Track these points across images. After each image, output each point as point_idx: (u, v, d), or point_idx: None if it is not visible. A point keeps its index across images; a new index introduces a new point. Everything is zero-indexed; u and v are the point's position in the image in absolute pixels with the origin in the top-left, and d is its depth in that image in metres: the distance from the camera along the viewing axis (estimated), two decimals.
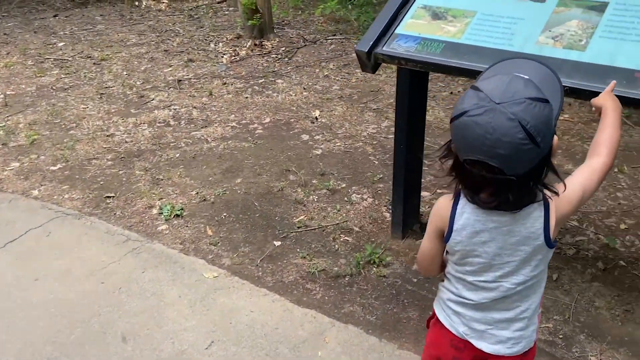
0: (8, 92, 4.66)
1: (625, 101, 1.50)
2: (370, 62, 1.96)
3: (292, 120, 4.10)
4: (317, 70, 5.20)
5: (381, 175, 3.26)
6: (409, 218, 2.60)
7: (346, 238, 2.68)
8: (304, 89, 4.73)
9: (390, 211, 2.72)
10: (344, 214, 2.88)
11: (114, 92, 4.68)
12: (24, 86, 4.82)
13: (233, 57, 5.56)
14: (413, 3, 2.05)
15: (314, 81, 4.91)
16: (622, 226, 2.72)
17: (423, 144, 2.54)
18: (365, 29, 5.64)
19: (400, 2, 2.04)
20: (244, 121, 4.09)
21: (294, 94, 4.61)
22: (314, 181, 3.23)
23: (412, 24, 1.99)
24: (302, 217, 2.86)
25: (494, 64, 1.18)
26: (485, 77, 1.10)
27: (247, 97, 4.54)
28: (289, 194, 3.08)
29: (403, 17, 2.03)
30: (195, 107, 4.33)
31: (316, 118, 4.11)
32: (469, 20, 1.90)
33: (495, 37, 1.80)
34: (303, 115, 4.17)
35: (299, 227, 2.78)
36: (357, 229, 2.76)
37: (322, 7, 6.34)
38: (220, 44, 5.97)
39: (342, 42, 6.11)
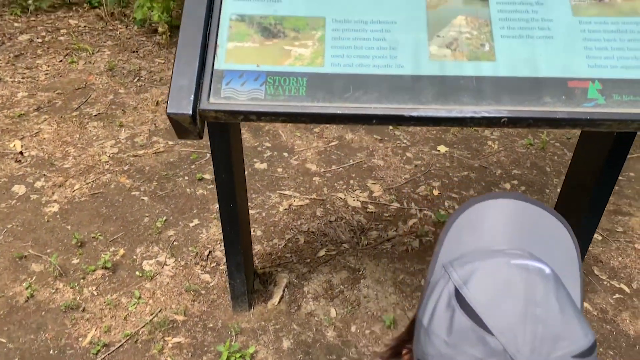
0: None
1: (572, 123, 1.19)
2: (197, 126, 1.19)
3: None
4: None
5: (164, 217, 2.46)
6: (249, 280, 1.98)
7: (176, 340, 1.91)
8: None
9: (227, 280, 2.04)
10: (150, 302, 2.06)
11: None
12: None
13: None
14: (219, 14, 1.31)
15: None
16: (435, 192, 2.65)
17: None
18: (16, 3, 4.16)
19: (204, 13, 1.27)
20: None
21: None
22: (73, 261, 2.23)
23: (236, 51, 1.27)
24: (92, 334, 1.93)
25: (457, 215, 0.65)
26: (473, 273, 0.55)
27: None
28: (46, 301, 2.05)
29: (216, 38, 1.27)
30: None
31: (21, 153, 2.88)
32: (320, 34, 1.29)
33: (373, 56, 1.26)
34: None
35: (95, 353, 1.86)
36: (181, 317, 2.00)
37: None
38: None
39: None
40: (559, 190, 2.55)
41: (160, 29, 4.03)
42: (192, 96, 1.17)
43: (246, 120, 1.23)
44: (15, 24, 4.46)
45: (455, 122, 1.19)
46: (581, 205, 1.68)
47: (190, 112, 1.16)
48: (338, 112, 1.19)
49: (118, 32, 4.40)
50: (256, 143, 3.04)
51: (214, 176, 1.61)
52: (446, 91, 1.21)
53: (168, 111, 1.16)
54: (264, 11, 1.32)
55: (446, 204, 2.57)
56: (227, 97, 1.22)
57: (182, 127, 1.20)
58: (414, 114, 1.18)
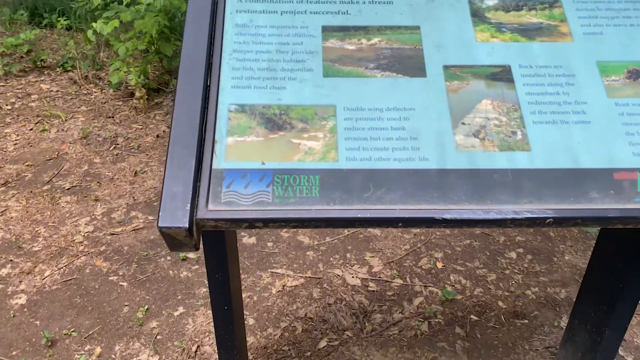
0: None
1: (625, 221, 1.05)
2: (193, 238, 1.01)
3: None
4: None
5: (146, 306, 2.23)
6: None
7: None
8: None
9: None
10: None
11: None
12: None
13: None
14: (216, 104, 1.15)
15: None
16: (439, 265, 2.48)
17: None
18: None
19: (199, 105, 1.11)
20: None
21: None
22: None
23: (237, 146, 1.11)
24: None
25: None
26: None
27: None
28: None
29: (213, 133, 1.11)
30: None
31: None
32: (331, 124, 1.14)
33: (393, 147, 1.11)
34: None
35: None
36: None
37: None
38: None
39: None
40: (566, 257, 2.42)
41: (137, 94, 3.88)
42: (189, 205, 0.99)
43: (251, 227, 1.05)
44: None
45: (493, 224, 1.03)
46: (600, 315, 1.53)
47: (187, 225, 0.98)
48: (359, 215, 1.03)
49: (93, 97, 4.23)
50: None
51: (207, 271, 1.41)
52: (479, 188, 1.06)
53: (160, 225, 0.98)
54: (267, 100, 1.17)
55: (452, 278, 2.40)
56: (228, 202, 1.04)
57: (176, 240, 1.01)
58: (447, 216, 1.03)
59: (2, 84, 4.41)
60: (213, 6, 1.26)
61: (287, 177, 1.08)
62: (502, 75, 1.21)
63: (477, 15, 1.30)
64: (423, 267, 2.47)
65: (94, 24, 3.94)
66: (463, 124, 1.14)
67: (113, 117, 3.89)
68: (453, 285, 2.36)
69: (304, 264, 2.49)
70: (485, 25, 1.28)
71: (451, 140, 1.12)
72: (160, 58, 4.17)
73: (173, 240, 1.01)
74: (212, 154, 1.09)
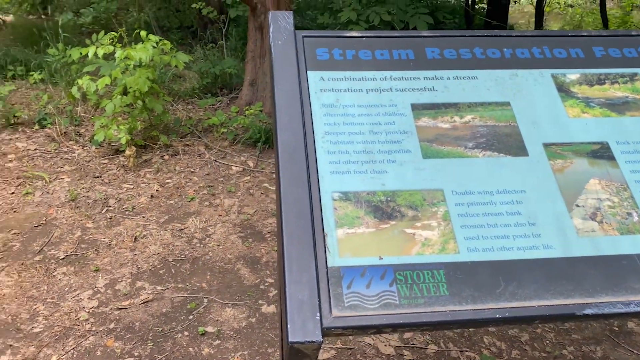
0: None
1: None
2: (319, 349, 0.90)
3: None
4: None
5: None
6: None
7: None
8: None
9: None
10: None
11: None
12: None
13: None
14: (319, 193, 1.07)
15: None
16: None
17: None
18: None
19: (307, 196, 1.02)
20: None
21: None
22: None
23: (349, 239, 1.02)
24: None
25: None
26: None
27: None
28: None
29: (322, 225, 1.02)
30: None
31: None
32: (443, 211, 1.07)
33: (513, 235, 1.05)
34: None
35: None
36: None
37: None
38: None
39: None
40: None
41: (127, 152, 3.71)
42: (318, 314, 0.89)
43: (377, 333, 0.95)
44: None
45: (635, 316, 0.98)
46: None
47: (320, 339, 0.87)
48: (497, 315, 0.95)
49: (75, 154, 4.03)
50: (257, 280, 2.71)
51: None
52: (611, 276, 1.01)
53: (291, 340, 0.87)
54: (370, 186, 1.09)
55: (485, 340, 2.33)
56: (352, 305, 0.95)
57: (300, 354, 0.90)
58: (588, 311, 0.96)
59: None
60: (299, 86, 1.19)
61: (410, 274, 0.99)
62: (602, 152, 1.18)
63: (563, 90, 1.28)
64: (454, 330, 2.39)
65: (79, 80, 3.78)
66: (577, 206, 1.10)
67: (101, 177, 3.69)
68: (489, 349, 2.29)
69: None
70: (573, 100, 1.26)
71: (570, 224, 1.07)
72: (148, 114, 4.04)
73: (298, 353, 0.90)
74: (325, 249, 1.00)
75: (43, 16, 11.57)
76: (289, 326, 0.88)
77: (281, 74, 1.19)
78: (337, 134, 1.16)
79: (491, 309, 0.96)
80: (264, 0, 4.38)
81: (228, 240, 3.02)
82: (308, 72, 1.24)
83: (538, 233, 1.06)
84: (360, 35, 1.32)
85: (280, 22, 1.30)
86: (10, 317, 2.39)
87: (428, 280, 0.99)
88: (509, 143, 1.18)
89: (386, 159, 1.14)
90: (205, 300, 2.54)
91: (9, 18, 11.58)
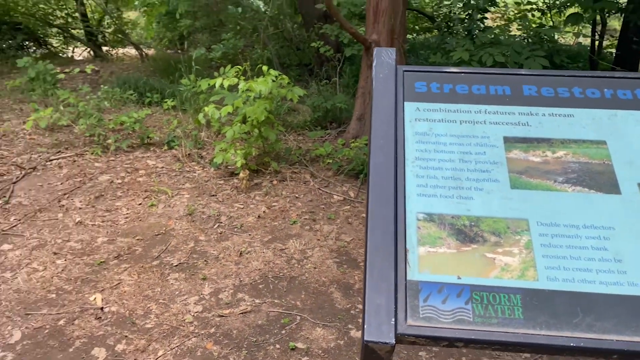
0: None
1: None
2: (392, 353, 0.98)
3: (60, 322, 2.60)
4: (60, 214, 3.66)
5: None
6: None
7: None
8: (54, 253, 3.19)
9: None
10: None
11: None
12: None
13: None
14: (404, 212, 1.15)
15: (63, 235, 3.39)
16: None
17: None
18: (96, 143, 4.31)
19: (392, 214, 1.11)
20: None
21: (41, 267, 3.04)
22: None
23: (430, 257, 1.09)
24: None
25: None
26: None
27: None
28: None
29: (404, 241, 1.10)
30: None
31: (101, 308, 2.70)
32: (526, 240, 1.10)
33: (596, 269, 1.05)
34: (76, 307, 2.70)
35: None
36: None
37: (33, 118, 4.72)
38: None
39: (74, 160, 4.61)
40: None
41: (241, 175, 4.02)
42: (393, 320, 0.97)
43: (450, 346, 1.01)
44: (96, 164, 4.57)
45: None
46: None
47: (393, 341, 0.94)
48: (571, 344, 0.96)
49: (195, 174, 4.43)
50: (348, 304, 2.79)
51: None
52: None
53: (366, 338, 0.95)
54: (455, 210, 1.15)
55: None
56: (427, 317, 1.01)
57: (375, 354, 0.98)
58: None
59: (112, 158, 4.71)
60: (395, 114, 1.29)
61: (486, 295, 1.04)
62: None
63: None
64: (525, 354, 2.29)
65: (205, 108, 4.19)
66: None
67: (216, 196, 4.03)
68: None
69: None
70: None
71: None
72: (263, 142, 4.35)
73: (372, 353, 0.98)
74: (405, 263, 1.07)
75: (179, 51, 12.85)
76: (365, 326, 0.97)
77: (379, 103, 1.31)
78: (427, 160, 1.24)
79: (566, 337, 0.98)
80: (378, 40, 4.58)
81: (324, 264, 3.14)
82: (405, 102, 1.34)
83: (624, 270, 1.05)
84: (458, 71, 1.41)
85: (384, 57, 1.43)
86: (127, 311, 2.69)
87: (504, 303, 1.03)
88: (601, 180, 1.19)
89: (473, 186, 1.20)
90: (298, 317, 2.67)
91: (151, 52, 12.99)
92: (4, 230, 3.42)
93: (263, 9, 7.62)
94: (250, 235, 3.47)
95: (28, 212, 3.67)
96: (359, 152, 4.35)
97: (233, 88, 5.01)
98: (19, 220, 3.57)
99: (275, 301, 2.80)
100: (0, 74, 8.89)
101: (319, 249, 3.31)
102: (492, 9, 7.16)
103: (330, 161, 4.46)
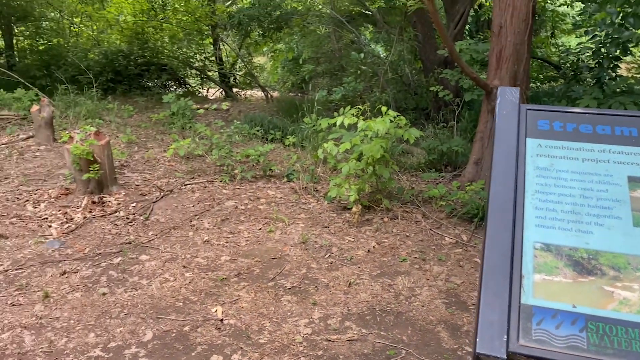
0: None
1: None
2: None
3: (185, 328, 2.86)
4: (191, 233, 4.04)
5: None
6: None
7: None
8: (184, 266, 3.52)
9: None
10: None
11: None
12: None
13: (66, 225, 4.10)
14: (522, 240, 1.20)
15: (192, 252, 3.74)
16: None
17: None
18: (225, 172, 4.75)
19: (509, 241, 1.17)
20: (112, 343, 2.72)
21: (172, 278, 3.37)
22: None
23: (545, 285, 1.13)
24: None
25: None
26: None
27: (104, 294, 3.17)
28: None
29: (520, 267, 1.16)
30: (26, 327, 2.82)
31: (221, 320, 2.94)
32: None
33: None
34: (200, 317, 2.96)
35: None
36: None
37: (174, 147, 5.28)
38: (42, 205, 4.45)
39: (205, 186, 5.07)
40: None
41: (354, 209, 4.17)
42: (505, 336, 1.02)
43: None
44: (224, 191, 4.98)
45: None
46: None
47: (505, 356, 0.99)
48: None
49: (310, 206, 4.66)
50: (455, 345, 2.77)
51: None
52: None
53: (478, 350, 1.01)
54: (574, 242, 1.18)
55: None
56: (539, 340, 1.05)
57: None
58: None
59: (238, 187, 5.11)
60: (517, 149, 1.36)
61: (602, 326, 1.05)
62: None
63: None
64: None
65: (324, 145, 4.44)
66: None
67: (328, 227, 4.21)
68: None
69: None
70: None
71: None
72: (377, 179, 4.49)
73: None
74: (520, 288, 1.12)
75: (299, 94, 13.61)
76: (477, 339, 1.03)
77: (502, 138, 1.38)
78: (547, 194, 1.28)
79: None
80: (500, 86, 4.57)
81: (432, 303, 3.15)
82: (527, 138, 1.40)
83: None
84: (582, 111, 1.44)
85: (507, 96, 1.50)
86: (244, 325, 2.89)
87: (621, 335, 1.03)
88: None
89: (594, 221, 1.22)
90: (404, 351, 2.70)
91: (275, 93, 13.89)
92: (143, 243, 3.85)
93: (384, 55, 7.91)
94: (359, 267, 3.57)
95: (164, 229, 4.10)
96: (475, 196, 4.32)
97: (351, 128, 5.24)
98: (156, 235, 3.99)
99: (382, 333, 2.85)
100: (145, 108, 10.02)
101: (427, 288, 3.32)
102: (626, 58, 6.81)
103: (444, 203, 4.47)
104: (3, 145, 6.14)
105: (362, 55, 7.80)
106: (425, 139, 6.02)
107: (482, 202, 4.29)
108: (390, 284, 3.36)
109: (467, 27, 10.16)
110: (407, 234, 4.11)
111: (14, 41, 13.41)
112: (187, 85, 13.74)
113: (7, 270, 3.40)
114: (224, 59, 14.52)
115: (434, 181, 5.25)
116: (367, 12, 10.34)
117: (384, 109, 4.35)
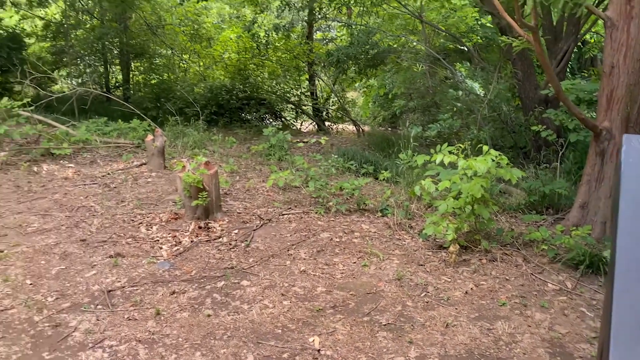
0: None
1: None
2: None
3: (284, 355, 2.95)
4: (288, 262, 4.18)
5: None
6: None
7: None
8: (282, 294, 3.65)
9: None
10: None
11: (15, 318, 3.26)
12: None
13: (175, 248, 4.40)
14: None
15: (289, 280, 3.86)
16: None
17: None
18: (320, 204, 4.83)
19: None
20: None
21: (271, 305, 3.50)
22: None
23: None
24: None
25: None
26: None
27: (209, 315, 3.35)
28: None
29: None
30: (140, 341, 3.04)
31: (318, 350, 3.00)
32: None
33: None
34: (297, 345, 3.04)
35: None
36: None
37: (274, 178, 5.52)
38: (154, 228, 4.80)
39: (301, 217, 5.23)
40: None
41: (451, 249, 4.12)
42: None
43: None
44: (319, 222, 5.11)
45: None
46: None
47: None
48: None
49: (405, 243, 4.66)
50: None
51: None
52: None
53: None
54: None
55: None
56: None
57: None
58: None
59: (332, 219, 5.22)
60: None
61: None
62: None
63: None
64: None
65: (422, 181, 4.45)
66: None
67: (424, 265, 4.18)
68: None
69: None
70: None
71: None
72: (475, 219, 4.41)
73: None
74: None
75: (390, 128, 13.70)
76: None
77: (629, 186, 1.36)
78: None
79: None
80: (610, 127, 4.38)
81: (534, 352, 3.02)
82: None
83: None
84: None
85: (634, 144, 1.47)
86: (340, 357, 2.94)
87: None
88: None
89: None
90: None
91: (366, 128, 14.07)
92: (244, 269, 4.04)
93: (481, 92, 7.82)
94: (456, 309, 3.51)
95: (263, 256, 4.27)
96: (581, 242, 4.11)
97: (446, 165, 5.21)
98: (256, 262, 4.17)
99: None
100: (244, 139, 10.55)
101: (529, 336, 3.19)
102: None
103: (546, 247, 4.29)
104: (120, 171, 6.72)
105: (460, 92, 7.76)
106: (525, 180, 5.83)
107: (589, 249, 4.07)
108: (489, 328, 3.27)
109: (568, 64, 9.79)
110: (507, 278, 3.99)
111: (130, 76, 14.74)
112: (283, 119, 14.31)
113: (124, 287, 3.70)
114: (318, 93, 15.00)
115: (534, 224, 5.06)
116: (462, 47, 10.31)
117: (484, 147, 4.30)
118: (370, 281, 3.90)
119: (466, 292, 3.73)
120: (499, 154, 4.27)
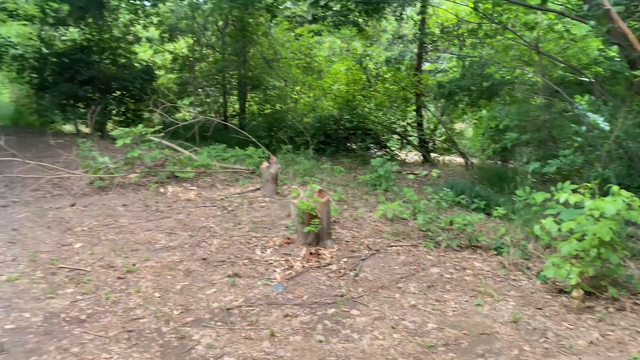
0: (7, 326, 3.52)
1: None
2: None
3: None
4: (397, 295, 4.16)
5: None
6: None
7: None
8: (392, 327, 3.63)
9: None
10: None
11: (146, 327, 3.55)
12: (28, 315, 3.69)
13: (287, 271, 4.55)
14: None
15: (399, 314, 3.83)
16: None
17: None
18: (430, 238, 4.72)
19: None
20: None
21: (381, 337, 3.49)
22: None
23: None
24: None
25: None
26: None
27: (321, 341, 3.41)
28: None
29: None
30: None
31: None
32: None
33: None
34: None
35: None
36: None
37: (382, 209, 5.55)
38: (268, 251, 5.01)
39: (409, 250, 5.19)
40: None
41: (574, 293, 3.87)
42: None
43: None
44: (428, 256, 5.04)
45: None
46: None
47: None
48: None
49: (521, 284, 4.45)
50: None
51: None
52: None
53: None
54: None
55: None
56: None
57: None
58: None
59: (442, 254, 5.12)
60: None
61: None
62: None
63: None
64: None
65: (543, 221, 4.24)
66: None
67: (542, 309, 3.95)
68: None
69: None
70: None
71: None
72: (602, 263, 4.11)
73: None
74: None
75: (499, 162, 13.17)
76: None
77: None
78: None
79: None
80: None
81: None
82: None
83: None
84: None
85: None
86: None
87: None
88: None
89: None
90: None
91: (475, 161, 13.67)
92: (353, 298, 4.08)
93: (608, 128, 7.32)
94: (580, 359, 3.27)
95: (372, 287, 4.29)
96: None
97: (568, 205, 4.92)
98: (365, 292, 4.20)
99: None
100: (350, 168, 10.71)
101: None
102: None
103: None
104: (236, 195, 7.11)
105: (583, 128, 7.32)
106: None
107: None
108: None
109: None
110: (638, 330, 3.65)
111: (246, 105, 15.63)
112: (387, 149, 14.34)
113: (240, 306, 3.89)
114: (425, 124, 14.88)
115: None
116: (583, 79, 9.75)
117: (614, 188, 4.02)
118: (484, 321, 3.76)
119: (591, 342, 3.47)
120: (632, 195, 3.97)
